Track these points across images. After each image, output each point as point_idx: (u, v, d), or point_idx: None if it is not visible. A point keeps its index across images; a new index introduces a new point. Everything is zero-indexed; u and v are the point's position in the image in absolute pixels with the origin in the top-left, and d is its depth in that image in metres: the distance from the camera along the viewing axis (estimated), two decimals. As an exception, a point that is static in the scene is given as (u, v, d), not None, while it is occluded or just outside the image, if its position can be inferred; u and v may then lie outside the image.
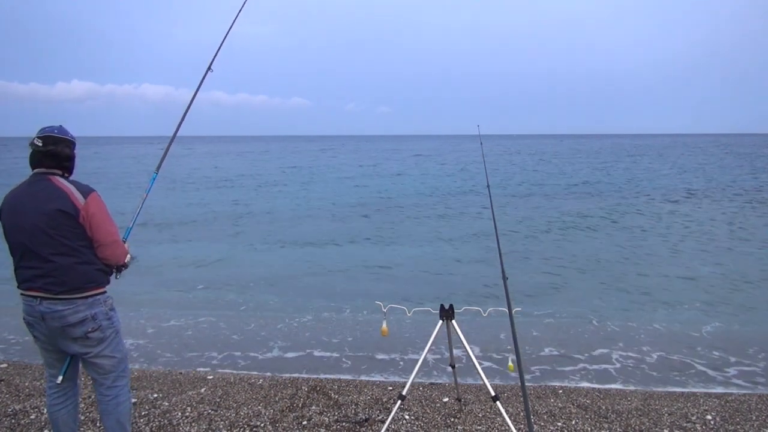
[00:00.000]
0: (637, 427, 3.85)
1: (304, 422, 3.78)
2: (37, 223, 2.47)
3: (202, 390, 4.50)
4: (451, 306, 3.25)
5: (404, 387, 3.19)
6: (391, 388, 4.64)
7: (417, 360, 3.23)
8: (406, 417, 3.91)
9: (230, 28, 3.83)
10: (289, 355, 5.90)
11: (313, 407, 4.07)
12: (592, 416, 4.04)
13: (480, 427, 3.75)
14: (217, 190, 24.71)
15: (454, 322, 3.23)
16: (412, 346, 5.97)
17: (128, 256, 2.76)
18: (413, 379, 3.20)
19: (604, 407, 4.23)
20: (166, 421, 3.80)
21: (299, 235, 13.56)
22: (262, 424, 3.75)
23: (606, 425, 3.88)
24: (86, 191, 2.57)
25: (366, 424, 3.77)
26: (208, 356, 5.84)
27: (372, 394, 4.41)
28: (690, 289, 8.42)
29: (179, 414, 3.92)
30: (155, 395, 4.33)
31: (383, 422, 3.61)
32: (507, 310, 2.95)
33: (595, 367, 5.54)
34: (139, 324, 6.79)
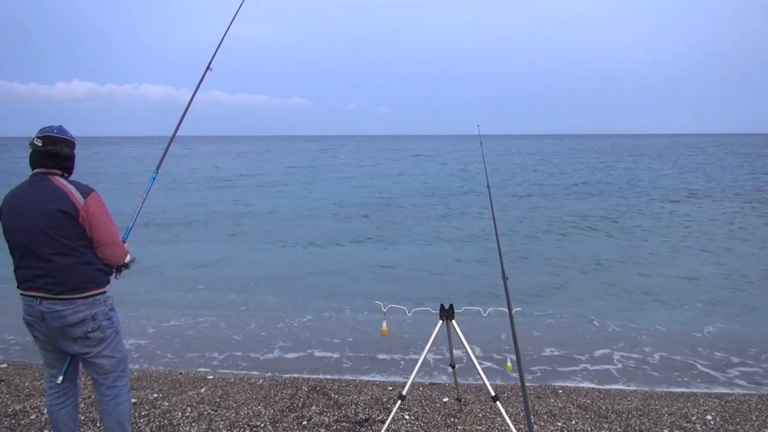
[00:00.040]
0: (637, 427, 3.84)
1: (304, 422, 3.78)
2: (37, 223, 2.47)
3: (202, 390, 4.50)
4: (451, 306, 3.25)
5: (404, 387, 3.19)
6: (391, 388, 4.64)
7: (417, 360, 3.23)
8: (406, 417, 3.91)
9: (229, 27, 3.83)
10: (290, 355, 5.90)
11: (313, 407, 4.07)
12: (592, 416, 4.04)
13: (480, 427, 3.75)
14: (218, 190, 24.72)
15: (454, 322, 3.23)
16: (412, 346, 5.96)
17: (128, 256, 2.76)
18: (413, 379, 3.20)
19: (604, 407, 4.23)
20: (166, 421, 3.80)
21: (300, 235, 13.56)
22: (262, 424, 3.75)
23: (606, 425, 3.87)
24: (86, 191, 2.56)
25: (366, 424, 3.76)
26: (209, 356, 5.83)
27: (372, 394, 4.41)
28: (691, 289, 8.41)
29: (179, 414, 3.92)
30: (155, 395, 4.33)
31: (383, 422, 3.60)
32: (507, 310, 2.94)
33: (596, 367, 5.53)
34: (140, 324, 6.79)
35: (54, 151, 2.57)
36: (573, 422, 3.91)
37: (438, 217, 16.16)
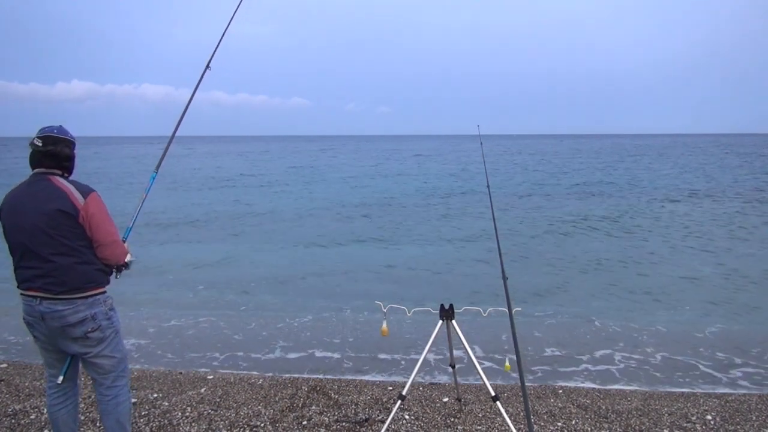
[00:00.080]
0: (637, 427, 3.84)
1: (304, 422, 3.78)
2: (37, 223, 2.47)
3: (202, 390, 4.50)
4: (451, 306, 3.24)
5: (404, 387, 3.19)
6: (391, 388, 4.64)
7: (417, 360, 3.23)
8: (406, 417, 3.91)
9: (228, 26, 3.83)
10: (290, 355, 5.89)
11: (313, 407, 4.06)
12: (592, 416, 4.03)
13: (480, 427, 3.75)
14: (218, 189, 24.71)
15: (454, 322, 3.23)
16: (413, 346, 5.96)
17: (128, 256, 2.76)
18: (413, 379, 3.20)
19: (604, 407, 4.23)
20: (166, 421, 3.80)
21: (300, 235, 13.56)
22: (262, 424, 3.75)
23: (606, 425, 3.87)
24: (86, 191, 2.56)
25: (366, 424, 3.76)
26: (209, 356, 5.83)
27: (372, 394, 4.41)
28: (692, 289, 8.40)
29: (179, 414, 3.92)
30: (155, 395, 4.33)
31: (383, 422, 3.60)
32: (507, 310, 2.94)
33: (597, 368, 5.52)
34: (140, 324, 6.79)
35: (54, 151, 2.57)
36: (573, 422, 3.90)
37: (438, 217, 16.16)
